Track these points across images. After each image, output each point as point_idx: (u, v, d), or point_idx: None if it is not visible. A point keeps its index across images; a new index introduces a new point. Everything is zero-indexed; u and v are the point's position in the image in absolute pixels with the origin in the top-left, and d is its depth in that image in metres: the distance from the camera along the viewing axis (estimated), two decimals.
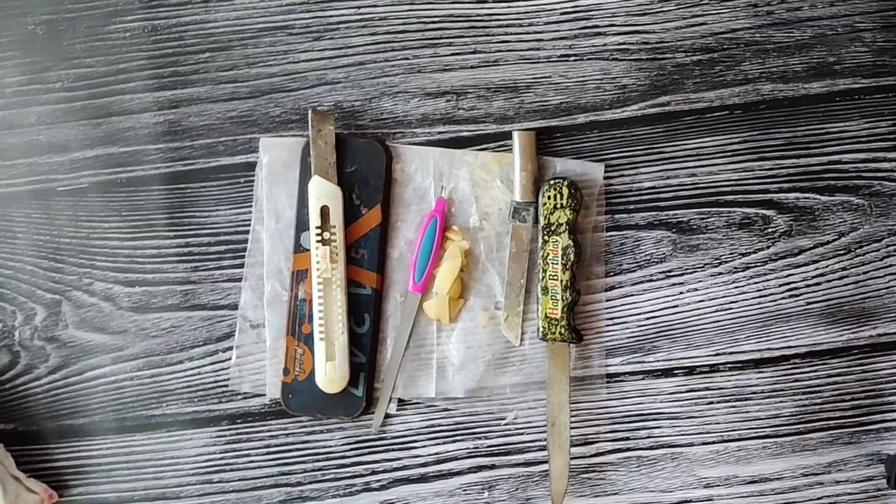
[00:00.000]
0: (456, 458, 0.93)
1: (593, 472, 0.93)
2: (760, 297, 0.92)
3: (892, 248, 0.92)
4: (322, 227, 0.90)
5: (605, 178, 0.92)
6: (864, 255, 0.92)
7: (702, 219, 0.92)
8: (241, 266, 0.93)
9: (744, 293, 0.92)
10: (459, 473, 0.94)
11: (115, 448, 0.94)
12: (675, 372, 0.93)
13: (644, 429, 0.93)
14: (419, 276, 0.92)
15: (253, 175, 0.93)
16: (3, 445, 0.92)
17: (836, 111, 0.92)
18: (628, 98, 0.93)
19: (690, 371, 0.93)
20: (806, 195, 0.93)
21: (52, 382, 0.94)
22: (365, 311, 0.92)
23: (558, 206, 0.90)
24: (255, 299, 0.93)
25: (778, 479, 0.93)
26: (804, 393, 0.93)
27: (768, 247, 0.92)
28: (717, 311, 0.93)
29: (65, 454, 0.94)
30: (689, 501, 0.93)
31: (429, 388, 0.93)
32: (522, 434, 0.93)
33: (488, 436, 0.93)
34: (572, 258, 0.90)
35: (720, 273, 0.93)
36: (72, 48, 0.94)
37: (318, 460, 0.94)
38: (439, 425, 0.93)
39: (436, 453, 0.94)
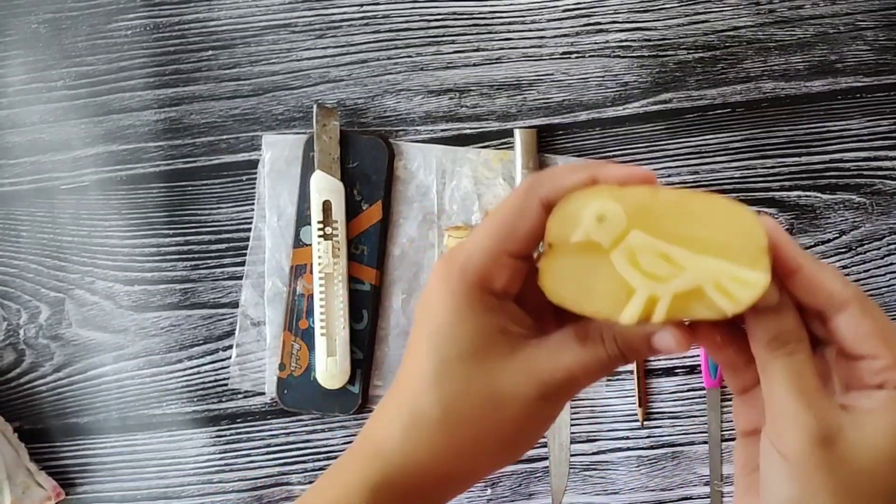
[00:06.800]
0: None
1: (594, 469, 0.93)
2: None
3: (893, 246, 0.92)
4: (324, 222, 0.90)
5: None
6: (865, 253, 0.92)
7: None
8: (242, 264, 0.93)
9: None
10: None
11: (118, 447, 0.94)
12: (676, 371, 0.92)
13: (644, 427, 0.93)
14: (713, 373, 0.92)
15: (255, 173, 0.93)
16: (17, 435, 0.93)
17: (838, 109, 0.92)
18: (630, 95, 0.92)
19: (691, 370, 0.92)
20: (807, 193, 0.92)
21: (56, 381, 0.94)
22: (363, 308, 0.92)
23: None
24: (257, 297, 0.93)
25: None
26: None
27: None
28: None
29: (70, 452, 0.94)
30: (690, 497, 0.93)
31: None
32: None
33: None
34: None
35: None
36: (74, 46, 0.94)
37: (319, 460, 0.94)
38: None
39: None
